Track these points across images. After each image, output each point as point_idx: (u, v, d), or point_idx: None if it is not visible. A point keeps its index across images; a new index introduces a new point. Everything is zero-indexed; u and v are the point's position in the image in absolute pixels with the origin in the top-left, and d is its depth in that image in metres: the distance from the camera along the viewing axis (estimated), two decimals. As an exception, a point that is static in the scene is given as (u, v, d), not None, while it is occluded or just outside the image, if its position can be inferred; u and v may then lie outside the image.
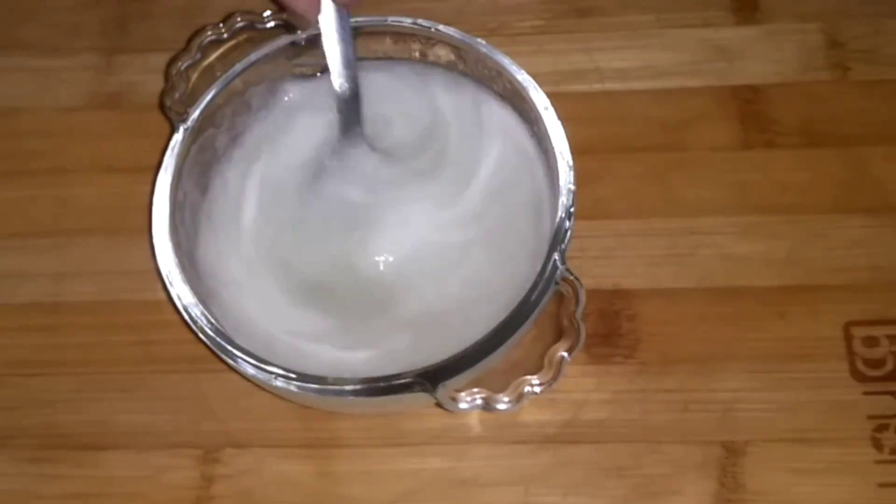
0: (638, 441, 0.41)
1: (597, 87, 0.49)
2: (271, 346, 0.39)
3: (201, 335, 0.38)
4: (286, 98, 0.45)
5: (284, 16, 0.44)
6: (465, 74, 0.44)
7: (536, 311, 0.37)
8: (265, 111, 0.45)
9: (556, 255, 0.37)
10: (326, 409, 0.42)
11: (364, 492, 0.41)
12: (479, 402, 0.36)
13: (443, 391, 0.36)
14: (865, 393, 0.41)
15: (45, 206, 0.48)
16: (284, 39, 0.44)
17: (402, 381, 0.36)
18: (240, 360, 0.37)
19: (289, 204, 0.43)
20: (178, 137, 0.41)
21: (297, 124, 0.45)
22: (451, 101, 0.44)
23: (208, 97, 0.42)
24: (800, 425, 0.41)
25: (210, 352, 0.38)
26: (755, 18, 0.50)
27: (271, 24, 0.44)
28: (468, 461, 0.41)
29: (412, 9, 0.45)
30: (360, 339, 0.40)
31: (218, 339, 0.37)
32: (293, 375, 0.36)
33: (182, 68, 0.43)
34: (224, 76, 0.43)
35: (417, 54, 0.44)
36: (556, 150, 0.40)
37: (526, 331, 0.37)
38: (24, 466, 0.42)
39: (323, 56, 0.43)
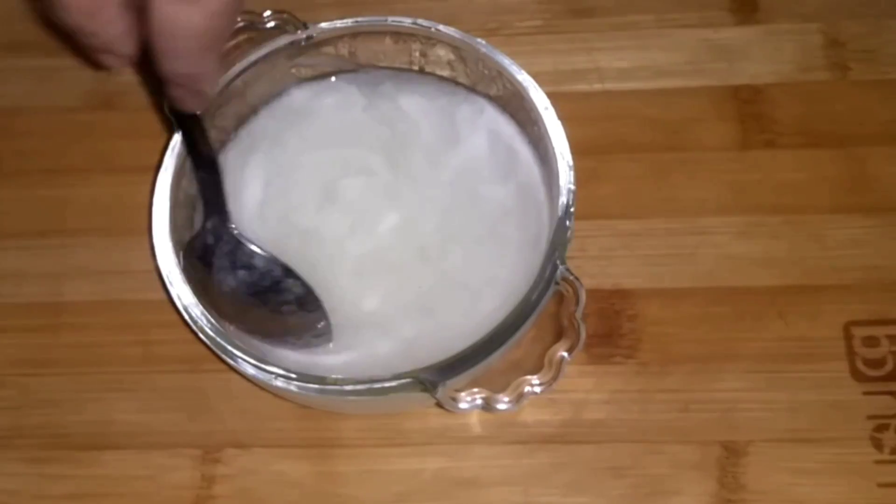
0: (638, 441, 0.41)
1: (597, 87, 0.49)
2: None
3: (201, 335, 0.38)
4: (287, 97, 0.45)
5: (285, 16, 0.44)
6: (457, 82, 0.45)
7: (536, 311, 0.37)
8: (266, 110, 0.45)
9: (556, 255, 0.37)
10: (326, 409, 0.42)
11: (364, 492, 0.41)
12: (479, 402, 0.36)
13: (443, 391, 0.36)
14: (865, 393, 0.41)
15: (45, 206, 0.48)
16: (284, 39, 0.44)
17: (403, 380, 0.36)
18: (240, 360, 0.37)
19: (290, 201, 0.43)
20: (178, 137, 0.41)
21: (299, 124, 0.45)
22: (448, 108, 0.44)
23: (208, 97, 0.42)
24: (800, 425, 0.41)
25: (210, 352, 0.38)
26: (755, 18, 0.50)
27: (271, 24, 0.44)
28: (468, 461, 0.41)
29: (412, 9, 0.45)
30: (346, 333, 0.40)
31: (218, 339, 0.37)
32: (293, 375, 0.36)
33: (182, 68, 0.43)
34: (224, 76, 0.43)
35: (418, 54, 0.44)
36: (556, 150, 0.40)
37: (526, 331, 0.37)
38: (24, 466, 0.42)
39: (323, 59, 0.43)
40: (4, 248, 0.47)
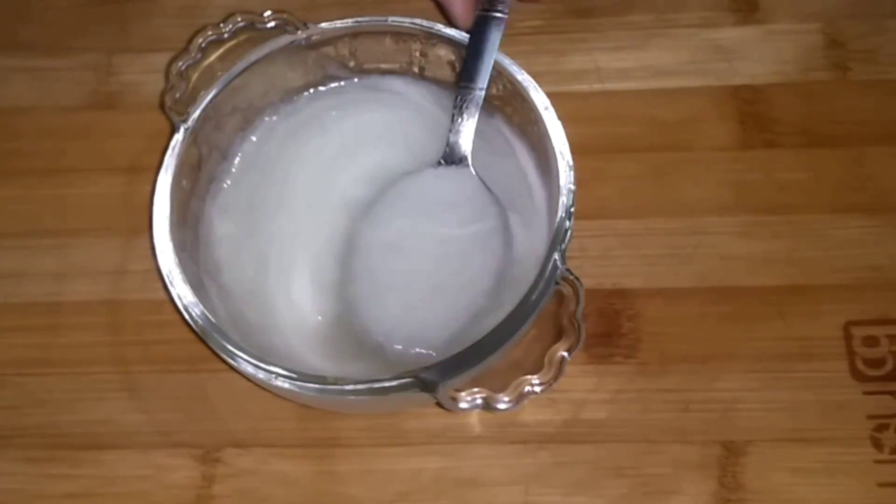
0: (638, 441, 0.41)
1: (597, 87, 0.49)
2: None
3: (201, 335, 0.38)
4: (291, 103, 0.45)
5: (285, 16, 0.44)
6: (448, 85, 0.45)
7: (536, 311, 0.37)
8: (270, 111, 0.45)
9: (556, 255, 0.37)
10: (326, 409, 0.42)
11: (364, 492, 0.41)
12: (479, 402, 0.36)
13: (443, 391, 0.36)
14: (865, 393, 0.42)
15: (45, 206, 0.48)
16: (284, 39, 0.44)
17: (402, 380, 0.36)
18: (240, 359, 0.37)
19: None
20: (178, 137, 0.41)
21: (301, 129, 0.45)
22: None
23: (208, 97, 0.42)
24: (800, 425, 0.41)
25: (210, 351, 0.38)
26: (755, 18, 0.50)
27: (271, 24, 0.44)
28: (468, 461, 0.41)
29: (412, 9, 0.45)
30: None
31: (218, 338, 0.37)
32: (293, 375, 0.36)
33: (182, 68, 0.43)
34: (224, 76, 0.43)
35: (418, 54, 0.44)
36: (556, 150, 0.40)
37: (526, 331, 0.37)
38: (24, 466, 0.42)
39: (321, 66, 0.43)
40: (4, 248, 0.47)
